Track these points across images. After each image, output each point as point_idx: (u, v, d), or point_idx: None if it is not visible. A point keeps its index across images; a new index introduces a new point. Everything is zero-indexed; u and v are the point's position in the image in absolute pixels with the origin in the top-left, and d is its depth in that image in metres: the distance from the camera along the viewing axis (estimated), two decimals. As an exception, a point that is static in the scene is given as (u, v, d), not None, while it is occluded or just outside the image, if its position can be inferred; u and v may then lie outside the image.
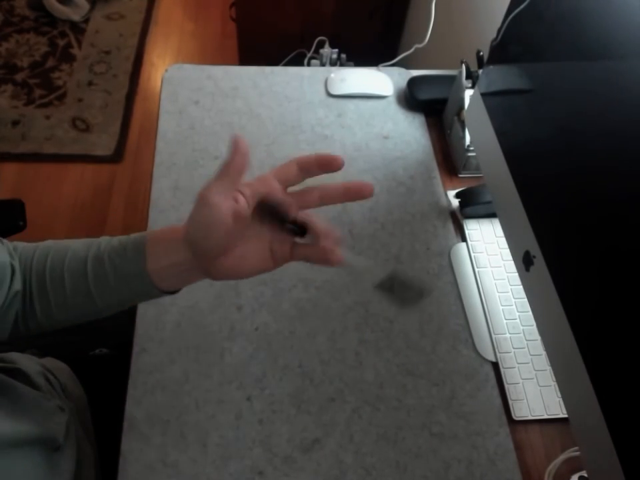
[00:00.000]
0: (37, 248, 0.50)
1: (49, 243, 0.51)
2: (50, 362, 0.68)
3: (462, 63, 0.80)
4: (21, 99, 1.90)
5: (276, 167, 0.43)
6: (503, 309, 0.68)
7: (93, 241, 0.49)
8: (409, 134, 0.86)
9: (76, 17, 2.14)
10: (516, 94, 0.62)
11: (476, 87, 0.70)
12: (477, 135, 0.73)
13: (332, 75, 0.91)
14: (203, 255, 0.42)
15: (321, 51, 1.30)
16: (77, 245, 0.49)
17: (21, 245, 0.51)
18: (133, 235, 0.48)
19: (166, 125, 0.83)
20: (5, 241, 0.51)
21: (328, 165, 0.43)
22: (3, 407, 0.46)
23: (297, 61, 1.46)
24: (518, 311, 0.68)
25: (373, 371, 0.64)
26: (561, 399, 0.61)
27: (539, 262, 0.54)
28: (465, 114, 0.78)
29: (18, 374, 0.59)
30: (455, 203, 0.77)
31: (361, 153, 0.83)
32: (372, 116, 0.88)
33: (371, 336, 0.66)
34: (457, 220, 0.77)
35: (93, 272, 0.47)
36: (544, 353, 0.64)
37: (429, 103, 0.88)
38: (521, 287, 0.61)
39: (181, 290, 0.49)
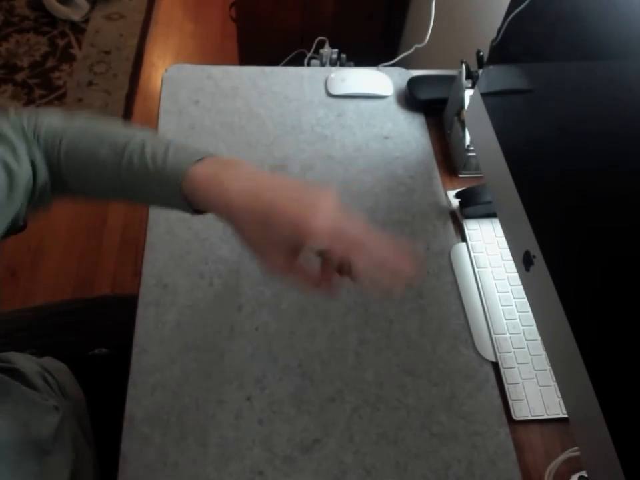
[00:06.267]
0: (64, 136, 0.48)
1: (75, 134, 0.48)
2: (49, 362, 0.68)
3: (462, 63, 0.80)
4: (21, 99, 1.90)
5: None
6: (503, 309, 0.68)
7: (123, 148, 0.46)
8: (409, 134, 0.86)
9: (76, 17, 2.14)
10: (516, 94, 0.62)
11: (476, 87, 0.70)
12: (477, 135, 0.73)
13: (332, 75, 0.91)
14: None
15: (321, 51, 1.30)
16: (106, 151, 0.47)
17: (45, 125, 0.49)
18: (170, 163, 0.45)
19: (166, 125, 0.83)
20: (21, 122, 0.49)
21: None
22: None
23: (297, 61, 1.46)
24: (518, 311, 0.68)
25: (372, 371, 0.64)
26: (560, 399, 0.61)
27: (539, 262, 0.54)
28: (464, 114, 0.78)
29: (15, 374, 0.59)
30: (455, 203, 0.77)
31: (361, 153, 0.83)
32: (372, 116, 0.88)
33: (371, 336, 0.66)
34: (457, 220, 0.77)
35: (128, 183, 0.47)
36: (544, 353, 0.64)
37: (429, 103, 0.88)
38: (521, 287, 0.61)
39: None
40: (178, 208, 0.47)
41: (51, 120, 0.50)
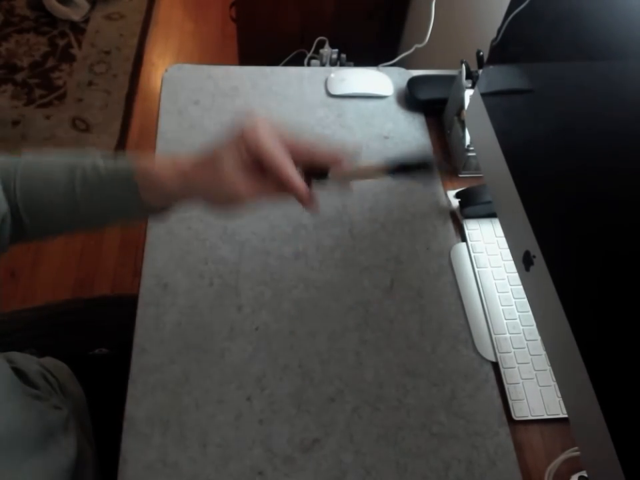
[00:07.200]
0: (18, 166, 0.50)
1: (29, 162, 0.50)
2: (49, 362, 0.68)
3: (462, 63, 0.80)
4: (21, 99, 1.90)
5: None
6: (502, 309, 0.68)
7: (75, 166, 0.49)
8: (409, 134, 0.86)
9: (76, 17, 2.14)
10: (516, 94, 0.62)
11: (476, 87, 0.70)
12: (477, 135, 0.73)
13: (332, 75, 0.91)
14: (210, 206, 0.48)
15: (321, 51, 1.30)
16: (59, 171, 0.49)
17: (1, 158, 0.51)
18: (120, 163, 0.49)
19: (166, 125, 0.83)
20: None
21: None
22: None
23: (297, 61, 1.46)
24: (518, 311, 0.68)
25: (372, 371, 0.64)
26: (560, 399, 0.61)
27: (539, 262, 0.54)
28: (464, 114, 0.78)
29: (16, 374, 0.59)
30: (455, 203, 0.77)
31: (361, 153, 0.83)
32: (372, 116, 0.88)
33: (371, 336, 0.66)
34: (457, 220, 0.77)
35: (83, 199, 0.49)
36: (544, 352, 0.64)
37: (429, 103, 0.88)
38: (521, 287, 0.61)
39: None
40: (132, 208, 0.50)
41: (4, 157, 0.52)
